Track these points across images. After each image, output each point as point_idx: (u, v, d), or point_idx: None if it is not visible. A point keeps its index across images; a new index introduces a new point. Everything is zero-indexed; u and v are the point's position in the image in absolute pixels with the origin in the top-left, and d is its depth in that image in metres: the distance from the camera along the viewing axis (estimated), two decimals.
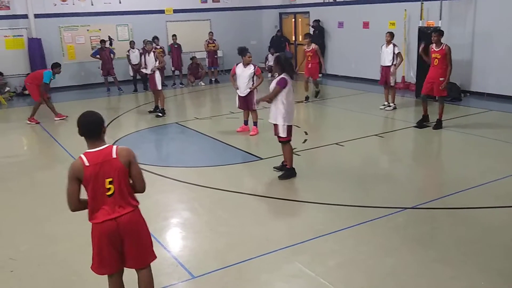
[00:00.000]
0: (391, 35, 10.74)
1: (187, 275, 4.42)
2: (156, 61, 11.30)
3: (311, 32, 16.42)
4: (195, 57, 16.30)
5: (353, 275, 4.28)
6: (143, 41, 12.06)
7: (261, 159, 7.74)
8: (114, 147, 3.37)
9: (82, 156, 3.30)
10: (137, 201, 3.51)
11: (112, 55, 15.01)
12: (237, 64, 9.17)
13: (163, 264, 4.71)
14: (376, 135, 9.10)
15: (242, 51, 8.93)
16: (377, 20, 14.27)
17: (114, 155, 3.31)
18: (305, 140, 8.76)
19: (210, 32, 16.64)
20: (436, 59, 9.00)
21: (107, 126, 10.54)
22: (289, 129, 6.52)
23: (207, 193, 6.44)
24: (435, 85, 9.01)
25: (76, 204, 3.34)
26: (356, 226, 5.21)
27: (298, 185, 6.58)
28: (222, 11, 18.15)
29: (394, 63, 10.69)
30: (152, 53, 11.37)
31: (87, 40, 16.08)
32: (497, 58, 11.40)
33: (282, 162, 6.98)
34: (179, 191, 6.60)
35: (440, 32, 9.09)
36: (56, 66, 11.29)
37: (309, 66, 12.32)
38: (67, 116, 11.42)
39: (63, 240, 5.24)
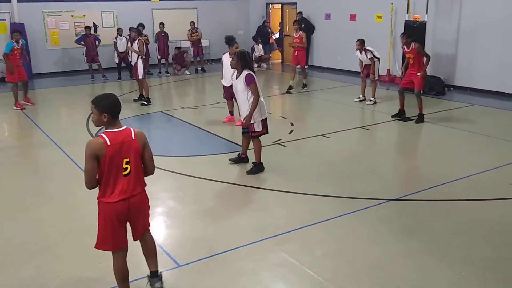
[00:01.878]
0: (361, 42, 10.69)
1: (173, 264, 4.41)
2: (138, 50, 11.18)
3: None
4: (180, 47, 16.16)
5: (338, 265, 4.32)
6: (129, 29, 11.90)
7: (248, 149, 7.72)
8: (132, 129, 3.51)
9: (103, 135, 3.38)
10: (145, 183, 3.69)
11: (97, 42, 14.81)
12: (224, 53, 9.08)
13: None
14: (361, 127, 9.16)
15: (229, 41, 8.71)
16: (364, 13, 14.31)
17: (133, 137, 3.46)
18: (291, 131, 8.77)
19: (192, 22, 16.40)
20: (410, 59, 9.19)
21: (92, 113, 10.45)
22: (264, 122, 6.46)
23: (192, 182, 6.42)
24: (413, 78, 9.13)
25: (93, 182, 3.44)
26: (341, 216, 5.25)
27: (284, 175, 6.59)
28: (208, 0, 17.99)
29: (373, 63, 10.71)
30: (136, 42, 11.23)
31: (71, 26, 15.83)
32: (481, 53, 11.53)
33: (239, 155, 6.99)
34: (164, 180, 6.56)
35: (407, 35, 9.28)
36: (16, 31, 11.12)
37: (296, 53, 12.36)
38: (33, 104, 11.25)
39: (49, 227, 5.18)
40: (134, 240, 3.79)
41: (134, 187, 3.50)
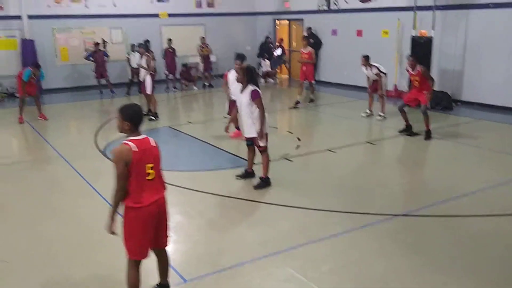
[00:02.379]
0: (366, 58, 10.74)
1: (179, 279, 4.41)
2: (147, 66, 11.32)
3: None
4: (187, 64, 16.34)
5: (344, 281, 4.30)
6: (138, 45, 12.08)
7: (254, 164, 7.75)
8: (150, 137, 3.72)
9: (129, 142, 3.54)
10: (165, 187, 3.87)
11: (105, 57, 14.99)
12: (229, 71, 9.13)
13: (155, 267, 4.70)
14: (368, 142, 9.16)
15: (237, 57, 8.73)
16: (371, 28, 14.39)
17: (153, 144, 3.70)
18: (298, 146, 8.79)
19: (202, 37, 16.63)
20: (415, 81, 9.23)
21: (100, 128, 10.56)
22: (266, 137, 6.53)
23: (198, 197, 6.45)
24: (419, 97, 9.16)
25: (126, 187, 3.56)
26: (348, 232, 5.24)
27: (291, 190, 6.60)
28: (217, 16, 18.20)
29: (380, 78, 10.74)
30: (144, 57, 11.37)
31: (81, 42, 16.04)
32: (488, 68, 11.54)
33: (246, 170, 6.97)
34: (171, 194, 6.50)
35: (414, 57, 9.33)
36: (35, 66, 11.29)
37: (304, 68, 12.47)
38: (47, 119, 11.44)
39: (56, 241, 5.22)
40: (162, 247, 3.92)
41: (159, 190, 3.72)
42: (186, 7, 17.62)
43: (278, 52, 17.99)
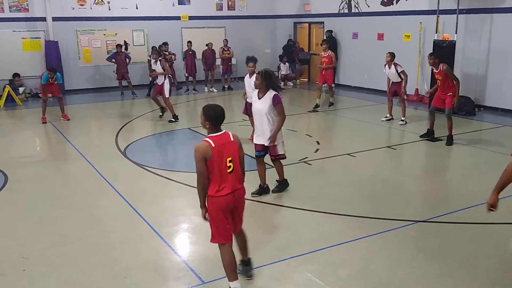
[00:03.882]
0: (391, 55, 10.60)
1: (197, 281, 4.42)
2: (163, 69, 11.43)
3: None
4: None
5: (363, 287, 4.26)
6: (151, 48, 12.20)
7: (273, 167, 7.74)
8: (229, 132, 4.05)
9: (208, 139, 3.89)
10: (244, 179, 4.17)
11: (127, 59, 15.16)
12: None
13: (174, 268, 4.73)
14: (388, 147, 9.07)
15: (246, 60, 8.85)
16: (392, 32, 14.27)
17: (232, 139, 4.02)
18: (317, 150, 8.75)
19: (225, 39, 16.76)
20: (438, 80, 9.10)
21: (121, 129, 10.68)
22: (283, 144, 6.35)
23: None
24: (444, 98, 9.02)
25: (205, 182, 3.92)
26: (367, 237, 5.19)
27: (309, 194, 6.57)
28: (237, 19, 18.26)
29: (401, 80, 10.52)
30: (158, 62, 11.46)
31: (103, 44, 16.26)
32: (510, 74, 11.33)
33: (260, 186, 6.55)
34: (189, 196, 6.60)
35: (435, 55, 9.22)
36: (51, 70, 11.51)
37: (323, 72, 12.41)
38: (69, 119, 11.64)
39: (75, 240, 5.28)
40: (236, 232, 4.23)
41: (237, 182, 4.02)
42: (207, 10, 17.73)
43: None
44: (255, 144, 6.38)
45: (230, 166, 3.93)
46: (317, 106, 12.44)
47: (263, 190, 6.55)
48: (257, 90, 6.09)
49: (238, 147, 4.04)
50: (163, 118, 11.60)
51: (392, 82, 10.82)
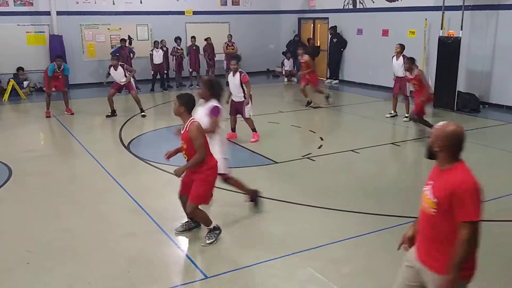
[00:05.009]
0: (402, 46, 10.73)
1: (201, 275, 4.45)
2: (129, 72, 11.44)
3: (330, 40, 16.48)
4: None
5: (365, 283, 4.27)
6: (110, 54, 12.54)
7: (276, 163, 7.76)
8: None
9: (196, 120, 4.81)
10: None
11: (131, 54, 15.16)
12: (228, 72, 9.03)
13: (177, 263, 4.76)
14: (392, 143, 9.06)
15: (232, 57, 8.79)
16: (397, 28, 14.21)
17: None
18: (321, 146, 8.75)
19: (229, 34, 16.74)
20: (415, 85, 9.26)
21: (124, 124, 10.70)
22: (227, 162, 5.61)
23: (221, 195, 6.45)
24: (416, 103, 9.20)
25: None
26: (370, 234, 5.20)
27: (312, 190, 6.57)
28: (242, 14, 18.22)
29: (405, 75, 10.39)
30: (120, 67, 11.34)
31: (107, 38, 16.26)
32: None
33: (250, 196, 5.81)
34: None
35: (411, 60, 9.25)
36: (58, 57, 11.53)
37: (306, 76, 12.30)
38: (73, 114, 11.69)
39: (80, 234, 5.31)
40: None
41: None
42: (211, 5, 17.70)
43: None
44: None
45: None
46: (309, 102, 12.38)
47: (254, 201, 5.84)
48: (202, 100, 5.51)
49: None
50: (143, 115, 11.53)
51: (397, 77, 10.81)
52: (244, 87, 8.54)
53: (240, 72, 8.52)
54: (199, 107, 5.47)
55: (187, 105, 4.74)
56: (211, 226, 5.06)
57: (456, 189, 2.68)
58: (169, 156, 5.17)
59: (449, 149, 2.87)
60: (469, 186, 2.70)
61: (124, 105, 13.50)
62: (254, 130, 8.99)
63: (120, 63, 11.51)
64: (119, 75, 11.34)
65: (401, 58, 10.62)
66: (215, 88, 5.48)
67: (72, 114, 11.65)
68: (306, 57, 12.29)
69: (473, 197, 2.68)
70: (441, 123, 2.93)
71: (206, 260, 4.76)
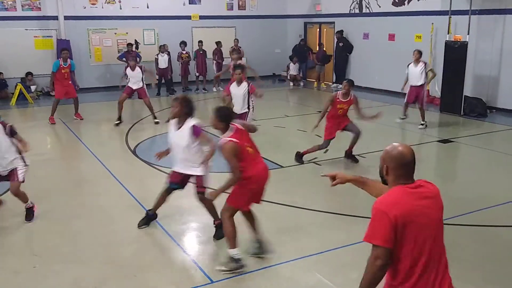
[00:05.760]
0: (420, 53, 10.27)
1: (206, 280, 4.43)
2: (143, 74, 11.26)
3: (336, 44, 16.48)
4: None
5: None
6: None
7: (282, 167, 7.74)
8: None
9: (231, 139, 4.39)
10: None
11: (138, 58, 15.20)
12: (230, 83, 8.39)
13: (183, 267, 4.75)
14: None
15: (237, 67, 8.14)
16: (403, 32, 14.18)
17: (240, 127, 4.57)
18: (327, 150, 8.71)
19: (236, 39, 16.77)
20: (340, 110, 7.86)
21: (131, 128, 10.72)
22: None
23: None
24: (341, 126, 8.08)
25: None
26: None
27: (318, 195, 6.55)
28: (248, 18, 18.26)
29: (424, 82, 10.19)
30: (138, 68, 11.20)
31: (114, 43, 16.34)
32: None
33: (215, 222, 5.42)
34: None
35: (351, 82, 7.96)
36: (64, 49, 11.49)
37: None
38: (82, 119, 11.64)
39: (86, 238, 5.31)
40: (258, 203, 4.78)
41: (260, 161, 4.69)
42: (217, 9, 17.75)
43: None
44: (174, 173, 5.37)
45: (248, 150, 4.50)
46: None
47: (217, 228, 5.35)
48: (174, 119, 5.18)
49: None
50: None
51: (411, 86, 10.32)
52: (251, 97, 8.14)
53: (247, 82, 8.13)
54: (171, 127, 5.20)
55: (226, 119, 4.50)
56: (235, 254, 4.49)
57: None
58: (160, 156, 5.32)
59: (394, 172, 2.70)
60: (374, 206, 2.61)
61: (131, 109, 13.54)
62: None
63: (139, 65, 11.42)
64: (136, 76, 11.15)
65: (420, 65, 10.16)
66: (191, 106, 5.14)
67: (82, 119, 11.65)
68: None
69: (372, 221, 2.60)
70: (391, 145, 2.78)
71: (212, 264, 4.75)
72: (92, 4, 15.85)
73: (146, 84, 11.60)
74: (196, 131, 5.02)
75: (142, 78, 11.22)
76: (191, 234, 5.58)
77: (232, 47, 16.18)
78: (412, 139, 9.97)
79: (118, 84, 12.16)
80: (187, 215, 6.02)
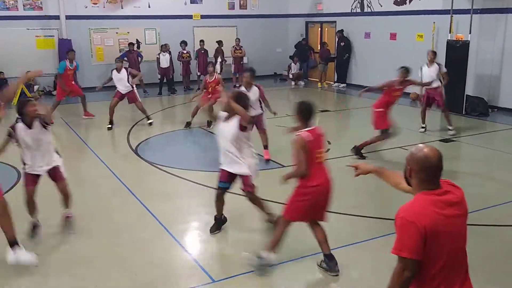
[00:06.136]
0: (434, 53, 9.92)
1: (208, 279, 4.44)
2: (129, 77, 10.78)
3: (337, 43, 16.46)
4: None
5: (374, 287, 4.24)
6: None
7: (284, 166, 7.74)
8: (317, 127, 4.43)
9: (306, 132, 4.26)
10: None
11: (139, 58, 15.24)
12: (239, 86, 8.09)
13: (184, 266, 4.75)
14: (400, 147, 9.00)
15: (247, 70, 8.05)
16: (405, 32, 14.17)
17: (321, 132, 4.43)
18: (328, 150, 8.71)
19: (237, 38, 16.78)
20: (397, 97, 8.39)
21: (133, 127, 10.73)
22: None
23: (228, 198, 6.44)
24: None
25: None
26: (380, 238, 5.16)
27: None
28: (249, 18, 18.25)
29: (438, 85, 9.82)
30: (124, 70, 10.77)
31: (116, 42, 16.35)
32: None
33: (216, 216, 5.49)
34: (201, 195, 6.63)
35: (406, 70, 8.25)
36: (71, 51, 11.50)
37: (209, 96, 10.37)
38: (94, 116, 11.62)
39: (87, 238, 5.31)
40: (323, 220, 4.53)
41: (326, 173, 4.48)
42: (218, 9, 17.75)
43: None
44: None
45: (319, 157, 4.34)
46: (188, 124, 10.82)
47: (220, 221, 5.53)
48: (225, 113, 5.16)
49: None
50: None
51: (428, 89, 9.89)
52: (263, 100, 8.09)
53: (257, 86, 7.97)
54: (221, 122, 5.18)
55: (305, 116, 4.38)
56: (266, 258, 4.46)
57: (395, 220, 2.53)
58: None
59: (417, 175, 2.60)
60: (399, 216, 2.53)
61: (131, 109, 13.55)
62: (266, 147, 8.38)
63: (124, 66, 11.01)
64: (121, 79, 10.66)
65: (434, 66, 9.77)
66: (245, 100, 5.14)
67: (93, 116, 11.60)
68: (216, 76, 10.86)
69: (399, 232, 2.53)
70: (416, 146, 2.69)
71: (214, 263, 4.76)
72: (94, 3, 15.86)
73: (136, 85, 11.35)
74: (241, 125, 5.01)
75: (129, 80, 10.71)
76: (192, 234, 5.58)
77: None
78: (413, 137, 9.95)
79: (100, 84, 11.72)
80: (188, 214, 6.03)
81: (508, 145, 8.94)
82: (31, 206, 5.36)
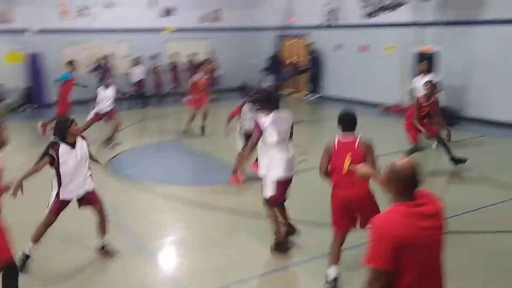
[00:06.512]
0: (428, 64, 9.87)
1: None
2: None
3: (309, 56, 16.66)
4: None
5: None
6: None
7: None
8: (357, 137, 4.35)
9: (335, 140, 4.37)
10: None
11: (110, 72, 15.08)
12: (244, 103, 7.72)
13: (158, 285, 4.67)
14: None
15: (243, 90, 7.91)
16: (375, 44, 14.44)
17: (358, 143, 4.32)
18: (304, 160, 8.74)
19: (210, 51, 16.81)
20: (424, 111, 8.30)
21: (105, 141, 10.57)
22: (280, 184, 5.24)
23: (205, 212, 6.41)
24: None
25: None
26: (359, 246, 5.18)
27: (299, 204, 6.51)
28: (222, 31, 18.34)
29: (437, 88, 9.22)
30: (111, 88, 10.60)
31: (87, 56, 16.15)
32: (495, 84, 11.56)
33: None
34: (176, 209, 6.57)
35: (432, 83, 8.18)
36: (68, 62, 11.31)
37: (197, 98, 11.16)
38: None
39: (55, 256, 5.19)
40: (362, 227, 4.33)
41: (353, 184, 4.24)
42: (191, 22, 17.77)
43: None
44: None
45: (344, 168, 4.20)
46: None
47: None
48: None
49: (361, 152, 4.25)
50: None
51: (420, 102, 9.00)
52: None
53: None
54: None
55: (344, 125, 4.51)
56: (330, 274, 4.40)
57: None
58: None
59: (392, 187, 2.63)
60: (373, 228, 2.55)
61: (103, 122, 13.38)
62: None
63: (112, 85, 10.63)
64: (106, 98, 10.34)
65: (428, 76, 9.58)
66: (271, 100, 5.19)
67: (45, 134, 11.28)
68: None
69: (371, 243, 2.54)
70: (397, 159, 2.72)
71: (189, 277, 4.71)
72: (64, 17, 15.67)
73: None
74: (255, 125, 4.96)
75: (113, 99, 10.43)
76: (167, 248, 5.51)
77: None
78: (387, 146, 10.08)
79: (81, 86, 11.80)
80: (162, 229, 5.95)
81: (473, 153, 9.09)
82: (44, 233, 4.86)
